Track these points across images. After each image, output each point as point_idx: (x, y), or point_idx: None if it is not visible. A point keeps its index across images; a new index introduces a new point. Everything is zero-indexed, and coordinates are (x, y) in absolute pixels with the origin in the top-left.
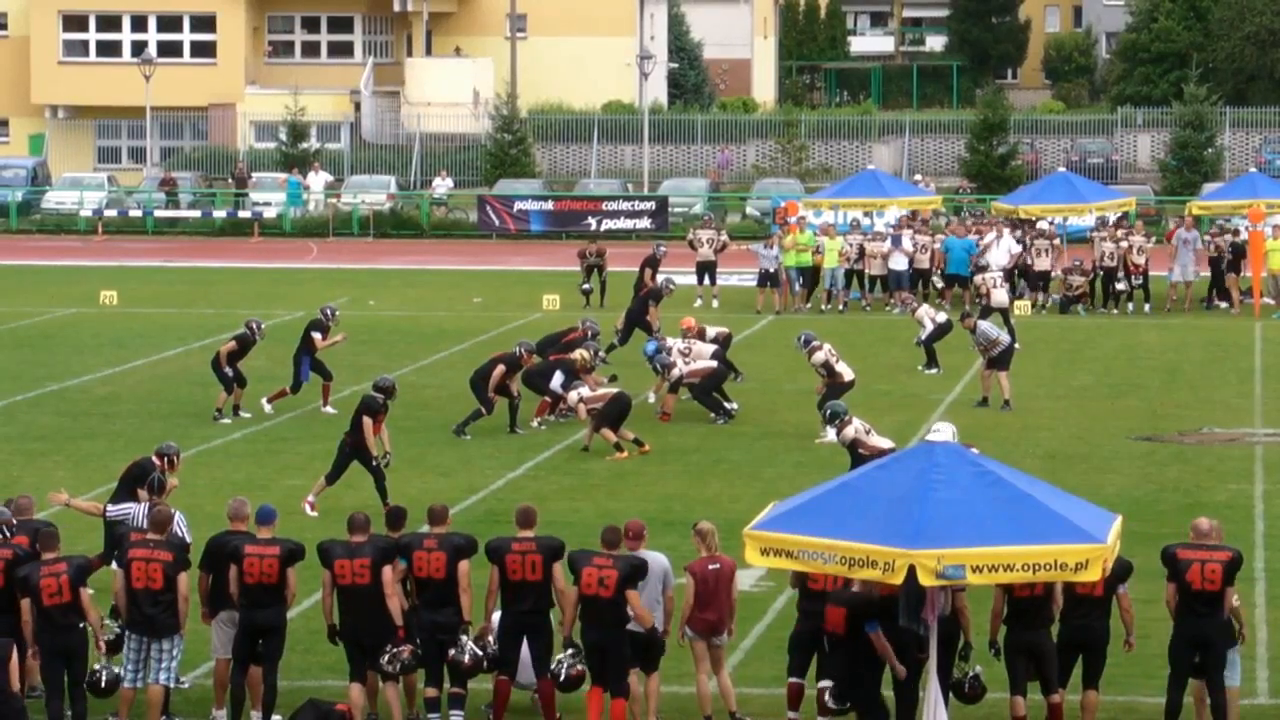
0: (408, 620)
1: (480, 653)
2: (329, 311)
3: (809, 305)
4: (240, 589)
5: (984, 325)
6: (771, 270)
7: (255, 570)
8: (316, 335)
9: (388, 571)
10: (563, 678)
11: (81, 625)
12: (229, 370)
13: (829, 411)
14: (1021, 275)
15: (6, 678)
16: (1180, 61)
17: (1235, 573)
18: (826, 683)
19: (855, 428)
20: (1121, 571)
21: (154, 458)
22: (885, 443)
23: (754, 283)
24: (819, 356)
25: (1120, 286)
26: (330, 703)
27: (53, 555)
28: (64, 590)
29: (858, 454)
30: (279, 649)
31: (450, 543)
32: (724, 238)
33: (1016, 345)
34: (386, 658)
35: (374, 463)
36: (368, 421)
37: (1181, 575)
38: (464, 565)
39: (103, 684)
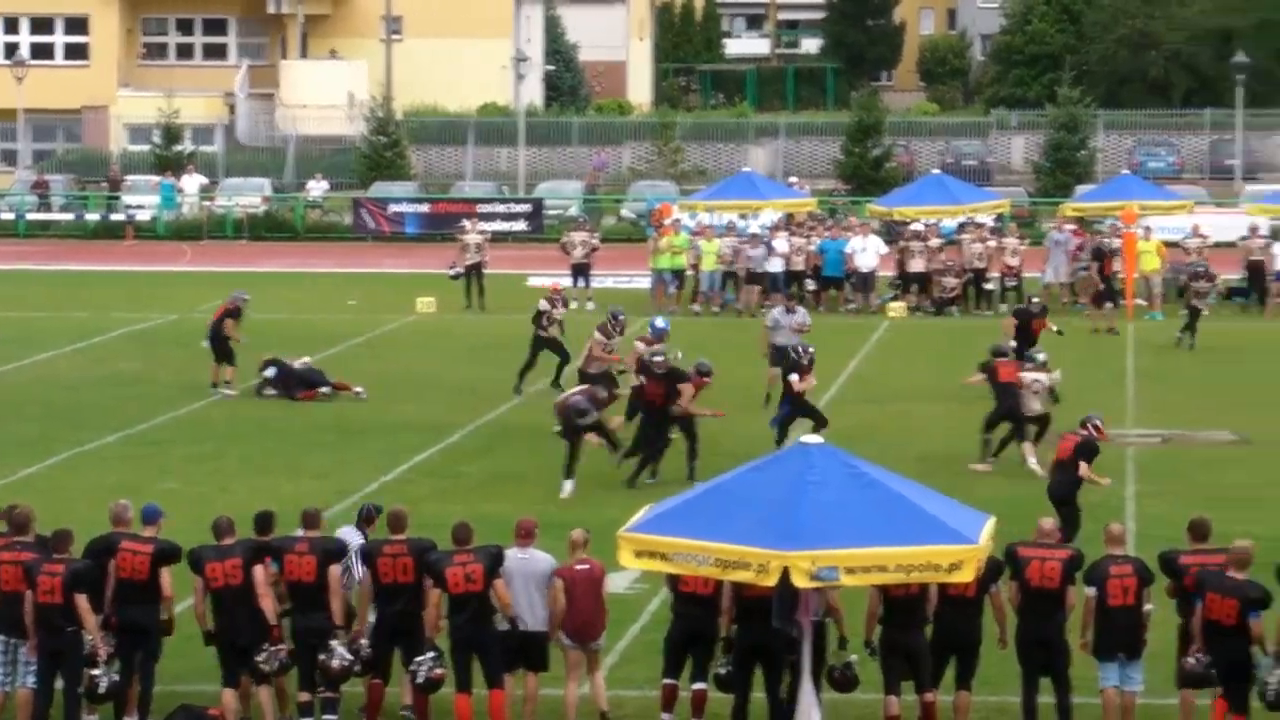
0: (281, 622)
1: (351, 657)
2: None
3: (679, 307)
4: (114, 585)
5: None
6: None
7: (128, 566)
8: None
9: (259, 571)
10: (421, 679)
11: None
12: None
13: None
14: (899, 277)
15: None
16: (1054, 64)
17: (1075, 571)
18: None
19: None
20: (994, 572)
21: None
22: None
23: (631, 283)
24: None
25: (989, 287)
26: (203, 708)
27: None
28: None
29: None
30: (154, 651)
31: (321, 546)
32: (595, 240)
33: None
34: (264, 656)
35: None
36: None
37: (1021, 573)
38: (335, 569)
39: (101, 690)
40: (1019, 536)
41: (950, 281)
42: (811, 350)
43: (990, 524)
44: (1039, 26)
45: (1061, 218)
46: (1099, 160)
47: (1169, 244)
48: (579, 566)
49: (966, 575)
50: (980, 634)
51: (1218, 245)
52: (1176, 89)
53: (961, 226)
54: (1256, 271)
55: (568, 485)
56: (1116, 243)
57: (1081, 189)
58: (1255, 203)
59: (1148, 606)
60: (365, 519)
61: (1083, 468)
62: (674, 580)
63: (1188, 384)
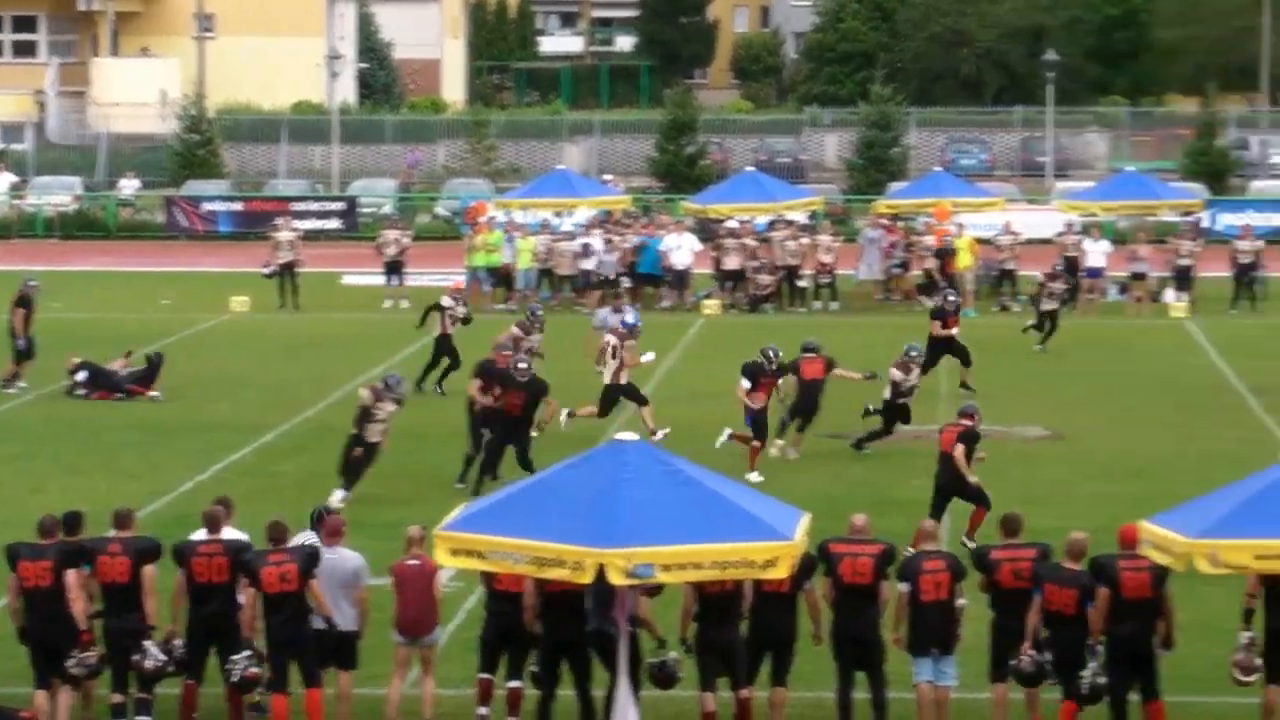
0: (94, 624)
1: (165, 657)
2: None
3: (502, 306)
4: None
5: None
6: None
7: None
8: None
9: (70, 574)
10: (236, 678)
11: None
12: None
13: None
14: (728, 276)
15: None
16: (867, 61)
17: (886, 566)
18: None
19: None
20: (808, 568)
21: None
22: None
23: (446, 281)
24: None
25: (802, 284)
26: (14, 709)
27: None
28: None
29: None
30: None
31: (134, 547)
32: (407, 239)
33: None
34: (73, 661)
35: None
36: None
37: (835, 569)
38: (149, 569)
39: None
40: (834, 533)
41: (765, 279)
42: (781, 354)
43: (805, 521)
44: (851, 24)
45: (875, 215)
46: (911, 157)
47: (981, 241)
48: (410, 562)
49: (781, 571)
50: (795, 630)
51: (1029, 242)
52: (988, 86)
53: (772, 224)
54: (1071, 267)
55: (339, 494)
56: (956, 242)
57: (894, 186)
58: (1066, 199)
59: (960, 601)
60: (317, 520)
61: (958, 450)
62: (488, 578)
63: (1001, 379)
